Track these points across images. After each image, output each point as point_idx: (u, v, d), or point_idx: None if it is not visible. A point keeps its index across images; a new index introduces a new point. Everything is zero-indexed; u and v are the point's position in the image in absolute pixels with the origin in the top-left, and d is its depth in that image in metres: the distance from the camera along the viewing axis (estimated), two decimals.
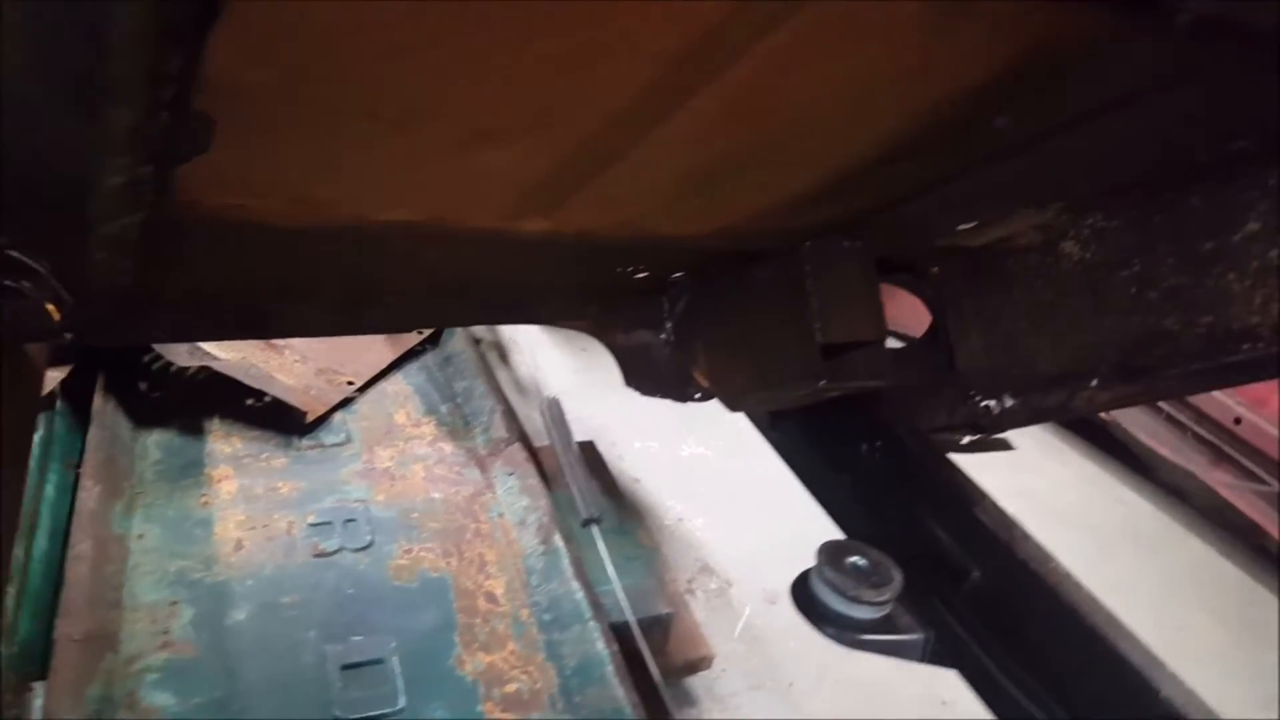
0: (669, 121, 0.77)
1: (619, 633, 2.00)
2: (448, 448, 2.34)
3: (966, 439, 1.79)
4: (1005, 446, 1.73)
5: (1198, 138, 1.00)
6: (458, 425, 2.44)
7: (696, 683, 2.26)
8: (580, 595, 1.87)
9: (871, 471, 1.70)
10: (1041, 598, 1.39)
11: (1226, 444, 3.39)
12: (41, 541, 1.89)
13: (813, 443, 1.84)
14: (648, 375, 1.67)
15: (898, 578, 1.49)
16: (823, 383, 1.32)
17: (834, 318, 1.30)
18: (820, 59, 0.71)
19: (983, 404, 1.59)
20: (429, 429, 2.41)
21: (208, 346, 2.38)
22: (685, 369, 1.62)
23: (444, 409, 2.50)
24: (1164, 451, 3.55)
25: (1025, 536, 1.51)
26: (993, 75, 0.78)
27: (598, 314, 1.61)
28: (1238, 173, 1.06)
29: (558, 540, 2.00)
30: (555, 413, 2.20)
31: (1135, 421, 3.63)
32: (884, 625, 1.49)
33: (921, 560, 1.58)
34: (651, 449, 3.01)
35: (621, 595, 1.81)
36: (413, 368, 2.67)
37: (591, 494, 2.03)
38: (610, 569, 1.87)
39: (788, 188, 1.07)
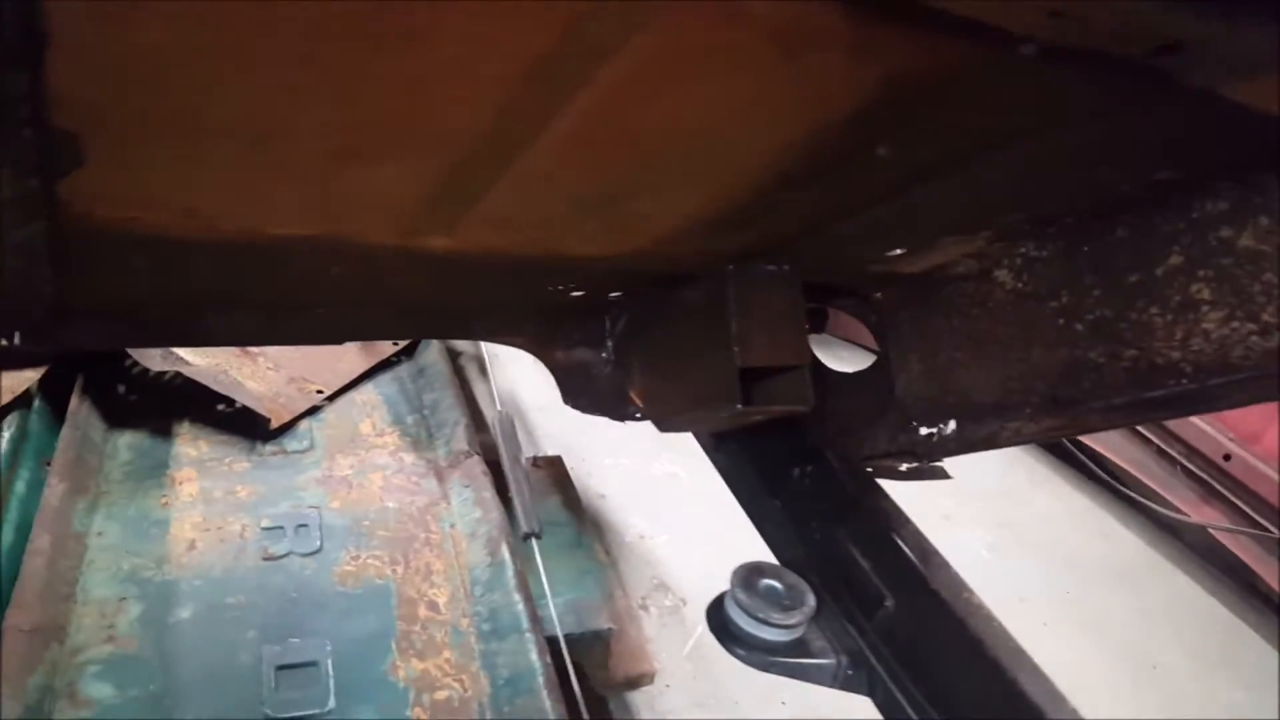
0: (536, 144, 0.80)
1: (557, 646, 2.03)
2: (408, 458, 2.38)
3: (905, 466, 1.80)
4: (942, 475, 1.74)
5: (1118, 168, 1.00)
6: (421, 436, 2.48)
7: (639, 698, 2.28)
8: (520, 607, 1.90)
9: (801, 495, 1.72)
10: (949, 629, 1.40)
11: (1216, 480, 3.35)
12: (8, 535, 1.94)
13: (750, 465, 1.86)
14: (586, 393, 1.69)
15: (810, 602, 1.51)
16: (739, 406, 1.34)
17: (754, 341, 1.33)
18: (670, 87, 0.73)
19: (921, 432, 1.60)
20: (392, 439, 2.45)
21: (181, 352, 2.44)
22: (623, 388, 1.65)
23: (410, 420, 2.55)
24: (1153, 486, 3.52)
25: (942, 565, 1.53)
26: (859, 106, 0.80)
27: (536, 331, 1.64)
28: (1162, 204, 1.06)
29: (505, 552, 2.03)
30: (506, 427, 2.24)
31: (1124, 454, 3.60)
32: (796, 649, 1.51)
33: (840, 586, 1.59)
34: (623, 465, 3.04)
35: (552, 609, 1.83)
36: (386, 378, 2.72)
37: (534, 509, 2.04)
38: (545, 583, 1.89)
39: (684, 211, 1.09)
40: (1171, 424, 3.39)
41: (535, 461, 2.71)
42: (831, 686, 1.50)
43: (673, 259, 1.28)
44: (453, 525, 2.17)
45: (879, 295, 1.55)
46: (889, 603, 1.48)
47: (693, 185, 1.01)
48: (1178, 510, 3.42)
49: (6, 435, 2.14)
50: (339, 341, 2.36)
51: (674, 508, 2.88)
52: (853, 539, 1.58)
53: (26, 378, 2.26)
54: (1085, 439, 3.73)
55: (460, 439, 2.39)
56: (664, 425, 1.63)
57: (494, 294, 1.49)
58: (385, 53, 0.62)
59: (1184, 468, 3.39)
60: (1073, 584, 3.17)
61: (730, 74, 0.73)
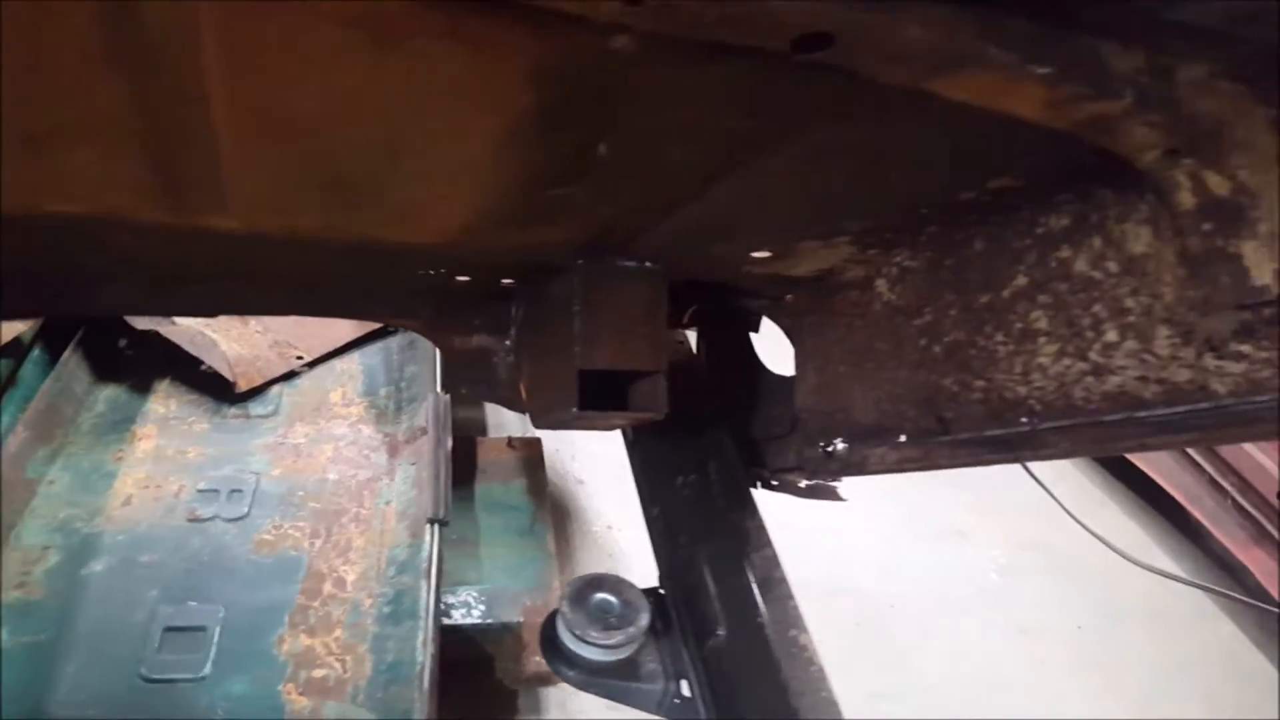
0: (213, 128, 0.77)
1: (462, 635, 2.01)
2: (367, 430, 2.40)
3: (803, 483, 1.70)
4: (835, 496, 1.62)
5: (934, 174, 0.91)
6: (388, 410, 2.49)
7: (551, 695, 2.24)
8: (423, 593, 1.88)
9: (677, 506, 1.65)
10: (761, 669, 1.31)
11: (1269, 519, 3.03)
12: None
13: (642, 469, 1.79)
14: (485, 380, 1.65)
15: (640, 622, 1.43)
16: (574, 410, 1.28)
17: (599, 343, 1.26)
18: (289, 74, 0.70)
19: (820, 448, 1.50)
20: (358, 410, 2.47)
21: None
22: (517, 378, 1.61)
23: (383, 392, 2.56)
24: (1202, 519, 3.23)
25: (782, 598, 1.44)
26: (526, 102, 0.75)
27: (433, 315, 1.61)
28: (1012, 216, 0.95)
29: (426, 535, 2.02)
30: (438, 408, 2.22)
31: (1176, 481, 3.30)
32: (623, 670, 1.43)
33: (685, 608, 1.51)
34: (610, 453, 2.97)
35: (429, 597, 1.80)
36: (374, 348, 2.74)
37: (445, 495, 2.02)
38: (434, 570, 1.86)
39: (456, 202, 1.04)
40: (1225, 453, 3.08)
41: (511, 442, 2.69)
42: (654, 713, 1.43)
43: (498, 250, 1.22)
44: (388, 502, 2.17)
45: (789, 298, 1.46)
46: (721, 631, 1.39)
47: (431, 176, 0.95)
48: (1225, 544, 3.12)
49: None
50: (224, 314, 2.42)
51: None
52: (708, 558, 1.49)
53: (14, 328, 2.37)
54: (1135, 460, 3.44)
55: (422, 415, 2.38)
56: (536, 421, 1.58)
57: (368, 276, 1.46)
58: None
59: (1235, 502, 3.08)
60: (1088, 619, 2.93)
61: (332, 61, 0.68)
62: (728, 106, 0.75)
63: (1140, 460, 3.41)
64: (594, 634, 1.39)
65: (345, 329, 2.73)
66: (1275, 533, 2.98)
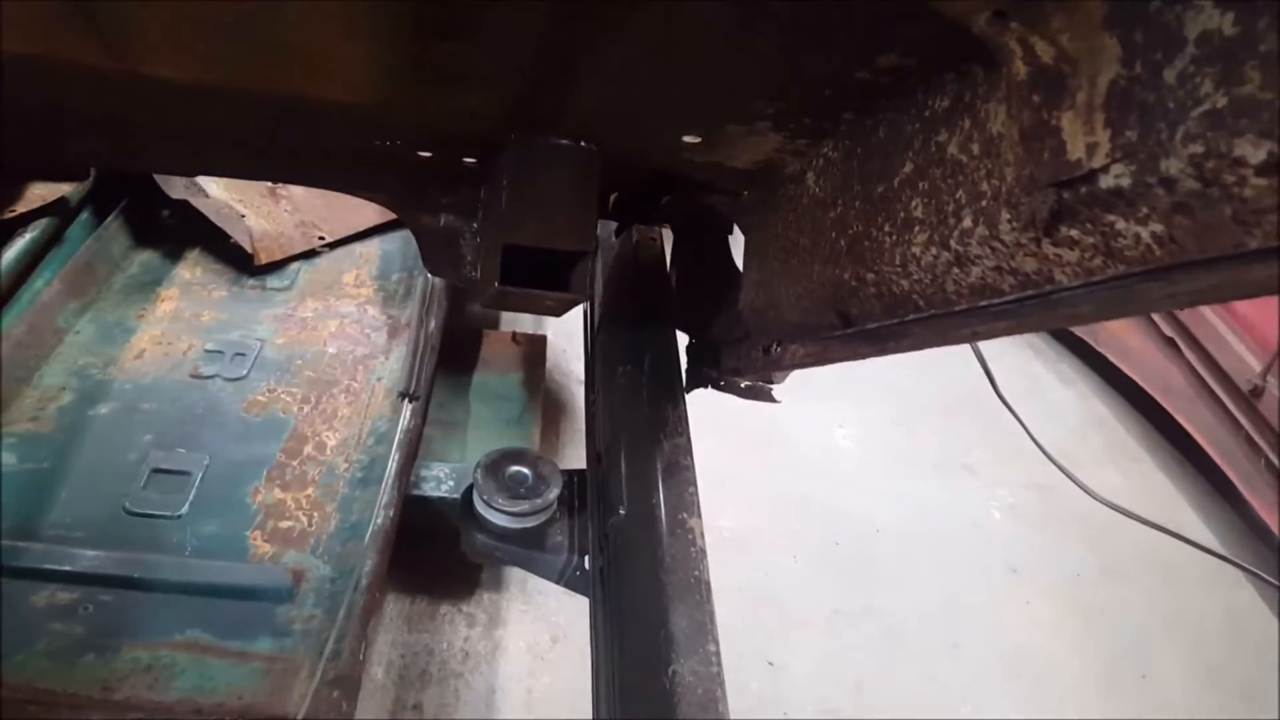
0: None
1: (431, 507, 2.11)
2: (372, 311, 2.50)
3: (744, 383, 1.73)
4: (770, 398, 1.65)
5: (836, 47, 0.90)
6: (396, 294, 2.58)
7: (513, 575, 2.33)
8: (393, 462, 1.98)
9: (615, 393, 1.69)
10: (645, 546, 1.36)
11: None
12: (9, 321, 2.23)
13: (596, 358, 1.84)
14: (450, 262, 1.71)
15: (549, 496, 1.50)
16: (495, 285, 1.33)
17: (525, 218, 1.30)
18: None
19: (761, 349, 1.53)
20: (368, 291, 2.57)
21: (203, 182, 2.65)
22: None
23: (395, 277, 2.65)
24: (1234, 478, 3.11)
25: (683, 484, 1.48)
26: None
27: (398, 190, 1.66)
28: (908, 99, 0.94)
29: (405, 409, 2.12)
30: (425, 289, 2.30)
31: (1212, 437, 3.18)
32: (528, 539, 1.51)
33: (598, 489, 1.57)
34: None
35: (393, 465, 1.90)
36: (396, 235, 2.83)
37: (420, 373, 2.10)
38: (404, 441, 1.96)
39: (345, 50, 1.08)
40: (1265, 410, 2.95)
41: (515, 337, 2.77)
42: (555, 583, 1.50)
43: (425, 114, 1.27)
44: (379, 379, 2.27)
45: (746, 194, 1.47)
46: (622, 510, 1.44)
47: (310, 15, 1.00)
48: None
49: (30, 236, 2.42)
50: (195, 174, 2.51)
51: None
52: (626, 443, 1.54)
53: (60, 189, 2.53)
54: (1177, 415, 3.33)
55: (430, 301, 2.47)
56: (476, 298, 1.63)
57: (319, 141, 1.51)
58: None
59: (1269, 463, 2.96)
60: (1088, 568, 2.87)
61: None
62: None
63: (1178, 413, 3.30)
64: (501, 501, 1.47)
65: (371, 214, 2.82)
66: None
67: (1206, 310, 3.16)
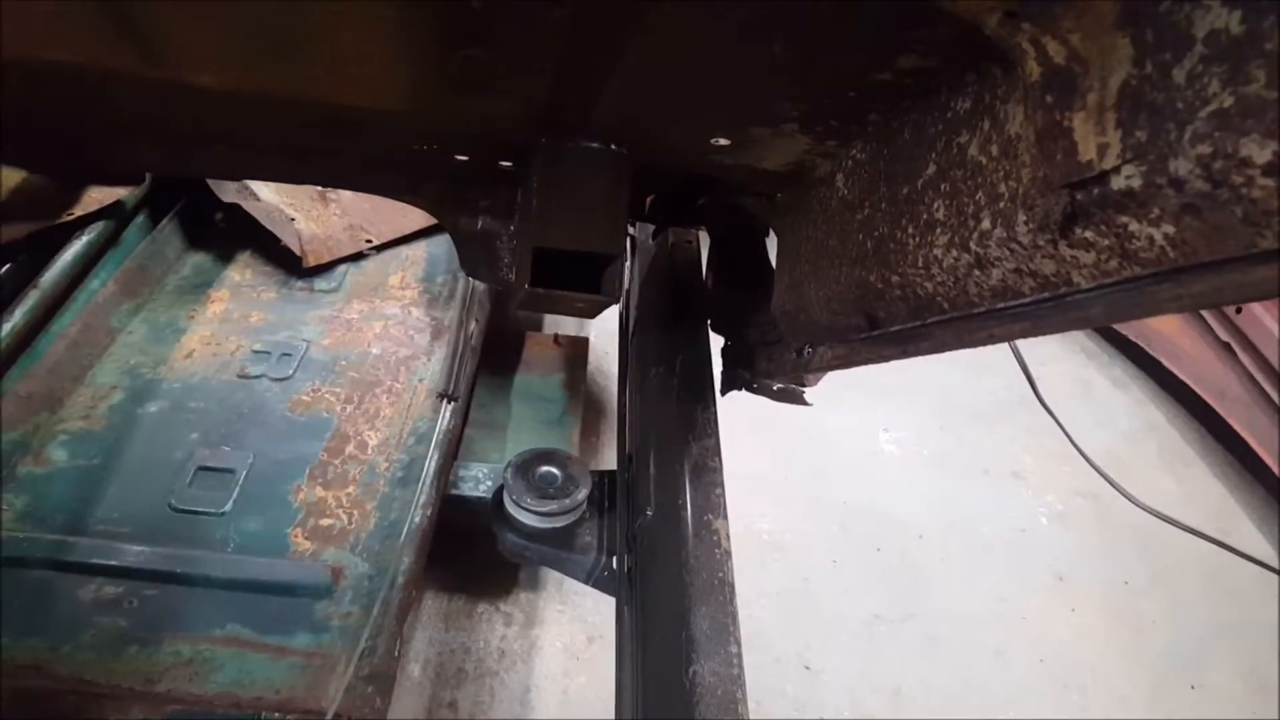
0: None
1: (469, 506, 2.14)
2: (417, 313, 2.53)
3: (776, 386, 1.73)
4: (802, 401, 1.64)
5: (854, 47, 0.90)
6: (441, 296, 2.61)
7: (550, 575, 2.35)
8: (431, 462, 2.01)
9: (648, 394, 1.70)
10: (671, 548, 1.37)
11: None
12: (64, 321, 2.31)
13: (631, 359, 1.84)
14: (487, 264, 1.73)
15: (579, 496, 1.50)
16: (526, 286, 1.34)
17: (554, 221, 1.32)
18: None
19: (794, 352, 1.54)
20: (413, 294, 2.61)
21: (254, 186, 2.71)
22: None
23: (440, 279, 2.69)
24: None
25: (711, 485, 1.48)
26: None
27: (438, 194, 1.68)
28: (930, 101, 0.95)
29: (445, 410, 2.15)
30: (465, 291, 2.32)
31: (1268, 443, 3.09)
32: (558, 539, 1.52)
33: (629, 490, 1.58)
34: None
35: (431, 464, 1.93)
36: (442, 238, 2.86)
37: (458, 374, 2.13)
38: (442, 441, 1.99)
39: (375, 58, 1.10)
40: None
41: (557, 339, 2.79)
42: (584, 582, 1.51)
43: (456, 119, 1.28)
44: (421, 379, 2.31)
45: (780, 197, 1.47)
46: (650, 511, 1.45)
47: (338, 24, 1.02)
48: None
49: (87, 238, 2.49)
50: (239, 178, 2.56)
51: None
52: (655, 444, 1.55)
53: (115, 192, 2.60)
54: (1232, 421, 3.24)
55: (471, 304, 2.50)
56: (510, 304, 1.65)
57: (358, 145, 1.54)
58: None
59: None
60: (1138, 577, 2.80)
61: None
62: None
63: (1233, 419, 3.21)
64: (530, 501, 1.48)
65: (418, 217, 2.86)
66: None
67: (1262, 314, 3.08)
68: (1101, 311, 0.73)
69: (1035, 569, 2.75)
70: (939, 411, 3.37)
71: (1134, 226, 0.59)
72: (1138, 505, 2.05)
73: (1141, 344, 3.70)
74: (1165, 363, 3.57)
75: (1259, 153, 0.47)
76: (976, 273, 0.83)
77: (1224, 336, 3.25)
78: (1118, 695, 2.44)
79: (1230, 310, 3.15)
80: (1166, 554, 2.85)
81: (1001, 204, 0.76)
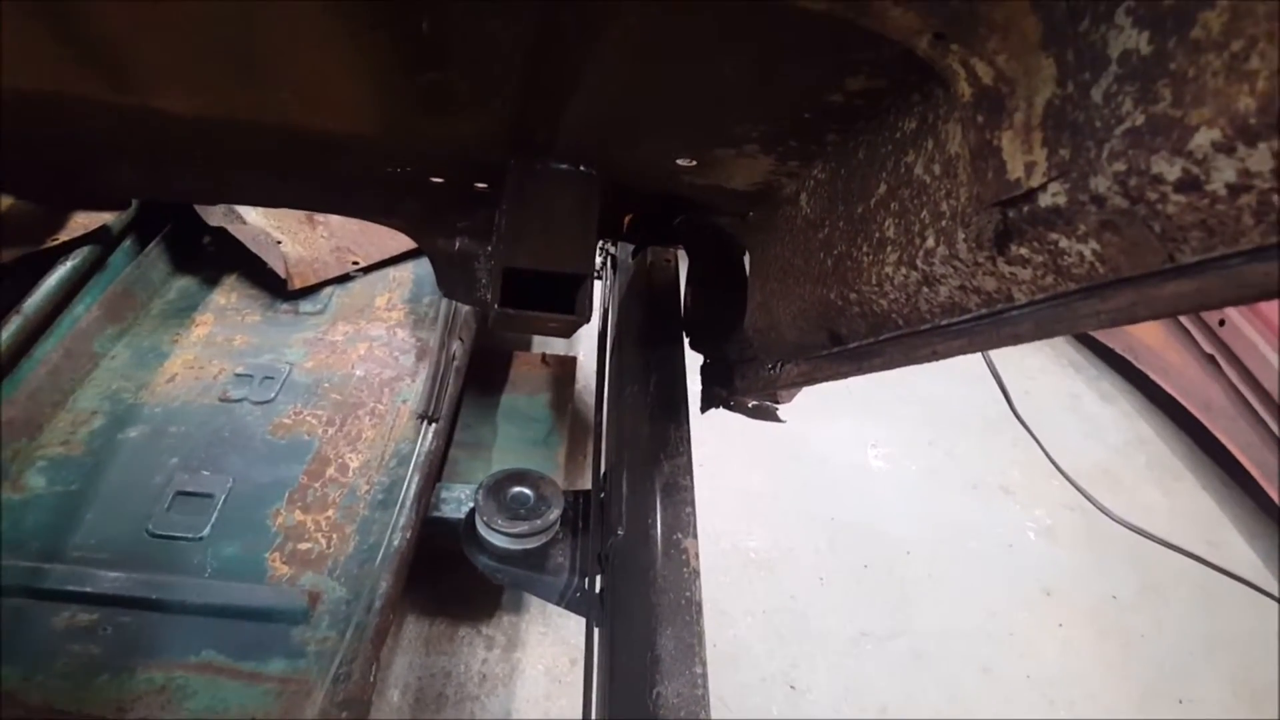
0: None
1: (449, 528, 2.13)
2: (402, 334, 2.53)
3: (751, 403, 1.73)
4: (775, 418, 1.65)
5: (800, 68, 0.91)
6: (426, 317, 2.62)
7: (534, 598, 2.33)
8: (411, 484, 2.01)
9: (623, 411, 1.70)
10: (639, 568, 1.36)
11: None
12: (47, 346, 2.31)
13: (608, 378, 1.84)
14: (464, 284, 1.74)
15: (550, 517, 1.50)
16: (495, 307, 1.35)
17: (523, 241, 1.33)
18: None
19: (766, 367, 1.54)
20: (399, 315, 2.61)
21: (241, 210, 2.72)
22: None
23: (426, 300, 2.69)
24: (1276, 498, 3.01)
25: (681, 504, 1.48)
26: None
27: (416, 215, 1.69)
28: (881, 121, 0.95)
29: (427, 432, 2.15)
30: (446, 312, 2.32)
31: (1255, 457, 3.09)
32: (530, 560, 1.51)
33: (601, 510, 1.57)
34: None
35: (410, 487, 1.92)
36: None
37: (439, 395, 2.13)
38: (422, 462, 1.99)
39: (337, 82, 1.11)
40: None
41: (545, 359, 2.79)
42: (556, 604, 1.50)
43: (424, 142, 1.29)
44: (404, 401, 2.31)
45: (751, 215, 1.48)
46: (621, 530, 1.45)
47: (294, 48, 1.02)
48: None
49: (71, 264, 2.50)
50: (219, 202, 2.56)
51: None
52: (628, 463, 1.54)
53: (101, 217, 2.61)
54: (1220, 435, 3.24)
55: (455, 325, 2.50)
56: (489, 322, 1.66)
57: (332, 168, 1.55)
58: None
59: None
60: (1126, 591, 2.79)
61: None
62: None
63: (1219, 431, 3.21)
64: (500, 522, 1.47)
65: (405, 239, 2.86)
66: None
67: (1245, 326, 3.08)
68: (1031, 327, 0.74)
69: (1023, 584, 2.74)
70: (927, 426, 3.36)
71: (1064, 243, 0.60)
72: (1118, 521, 2.04)
73: (1129, 357, 3.70)
74: (1152, 376, 3.57)
75: (1169, 170, 0.48)
76: (925, 290, 0.84)
77: (1208, 349, 3.25)
78: (1106, 709, 2.43)
79: (1213, 322, 3.15)
80: (1154, 568, 2.85)
81: (944, 222, 0.77)
